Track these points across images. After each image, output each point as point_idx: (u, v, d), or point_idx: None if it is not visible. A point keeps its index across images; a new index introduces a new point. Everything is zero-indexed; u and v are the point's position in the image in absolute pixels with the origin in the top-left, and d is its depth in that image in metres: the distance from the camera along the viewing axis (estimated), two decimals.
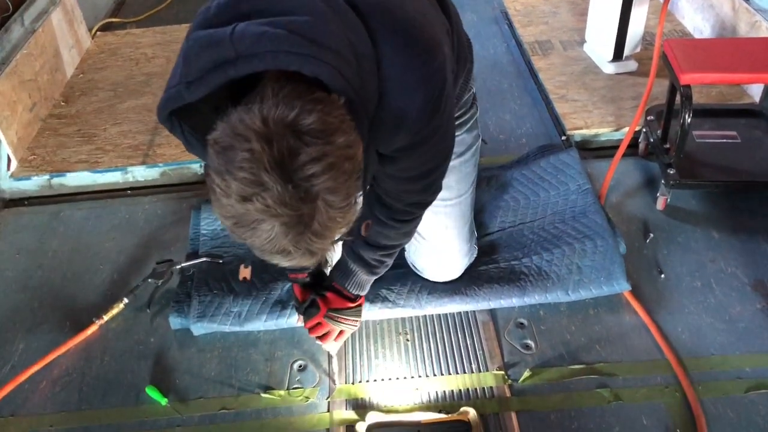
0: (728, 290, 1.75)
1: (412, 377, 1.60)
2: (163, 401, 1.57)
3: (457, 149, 1.55)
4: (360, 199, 1.11)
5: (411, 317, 1.73)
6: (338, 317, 1.50)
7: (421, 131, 1.13)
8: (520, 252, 1.82)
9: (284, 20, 0.94)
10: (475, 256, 1.78)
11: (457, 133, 1.54)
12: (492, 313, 1.73)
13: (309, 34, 0.93)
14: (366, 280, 1.51)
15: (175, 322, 1.74)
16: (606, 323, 1.69)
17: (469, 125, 1.60)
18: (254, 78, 0.95)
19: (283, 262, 0.93)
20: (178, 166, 2.24)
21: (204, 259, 1.88)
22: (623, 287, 1.72)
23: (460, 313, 1.74)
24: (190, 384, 1.62)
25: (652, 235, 1.91)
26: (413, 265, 1.78)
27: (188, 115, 1.02)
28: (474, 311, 1.73)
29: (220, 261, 1.87)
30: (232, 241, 1.93)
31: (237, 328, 1.71)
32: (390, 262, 1.49)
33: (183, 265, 1.87)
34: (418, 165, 1.23)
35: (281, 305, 1.73)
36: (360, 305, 1.54)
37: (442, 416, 1.48)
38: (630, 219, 1.98)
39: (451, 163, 1.50)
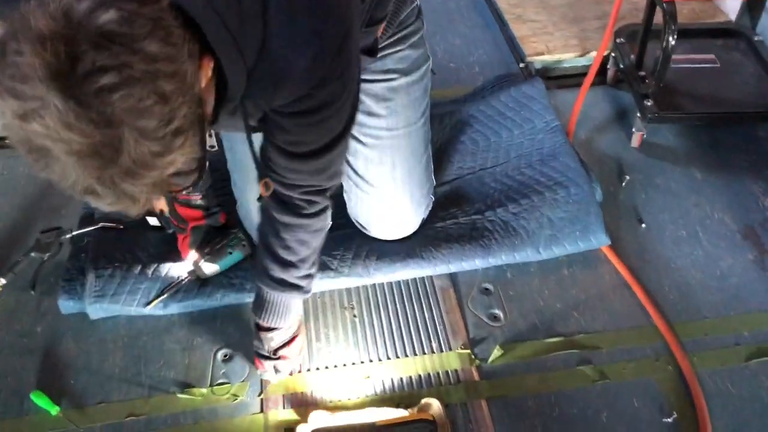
0: (716, 239, 1.54)
1: (362, 362, 1.33)
2: (54, 410, 1.26)
3: (400, 65, 1.34)
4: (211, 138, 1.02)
5: (357, 288, 1.45)
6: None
7: (307, 98, 0.93)
8: (482, 204, 1.55)
9: None
10: (430, 208, 1.51)
11: (399, 48, 1.32)
12: (452, 278, 1.47)
13: None
14: (290, 306, 1.23)
15: (66, 305, 1.41)
16: (583, 285, 1.45)
17: (412, 40, 1.34)
18: None
19: (102, 206, 0.72)
20: None
21: (101, 224, 1.54)
22: (602, 242, 1.48)
23: (415, 280, 1.47)
24: (89, 385, 1.31)
25: (628, 177, 1.67)
26: (357, 221, 1.49)
27: None
28: (431, 277, 1.47)
29: (122, 227, 1.54)
30: None
31: (145, 311, 1.40)
32: (315, 271, 1.22)
33: (75, 233, 1.52)
34: (309, 140, 1.01)
35: (201, 280, 1.43)
36: (292, 335, 1.28)
37: (400, 413, 1.23)
38: (602, 159, 1.73)
39: (396, 83, 1.33)
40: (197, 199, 1.43)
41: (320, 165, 1.04)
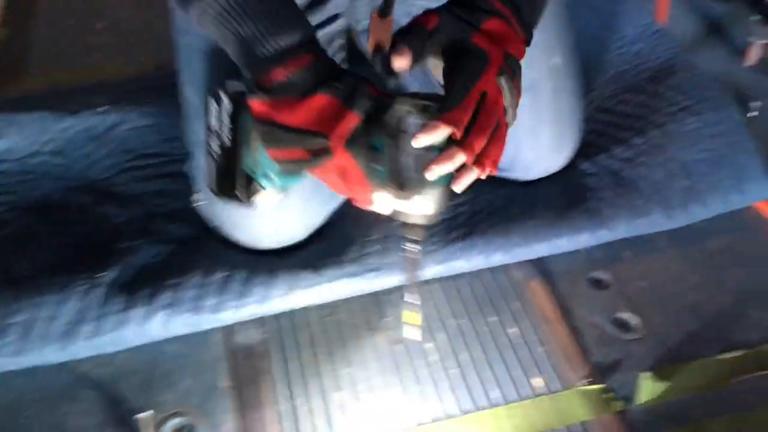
0: None
1: (420, 424, 0.76)
2: None
3: None
4: None
5: (389, 293, 0.88)
6: None
7: None
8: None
9: None
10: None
11: None
12: (539, 267, 0.91)
13: None
14: None
15: None
16: (746, 263, 0.91)
17: None
18: None
19: None
20: None
21: None
22: (765, 193, 0.95)
23: (474, 275, 0.90)
24: None
25: (759, 103, 1.14)
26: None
27: None
28: (505, 266, 0.91)
29: None
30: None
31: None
32: None
33: None
34: None
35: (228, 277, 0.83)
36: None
37: None
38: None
39: None
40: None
41: None
